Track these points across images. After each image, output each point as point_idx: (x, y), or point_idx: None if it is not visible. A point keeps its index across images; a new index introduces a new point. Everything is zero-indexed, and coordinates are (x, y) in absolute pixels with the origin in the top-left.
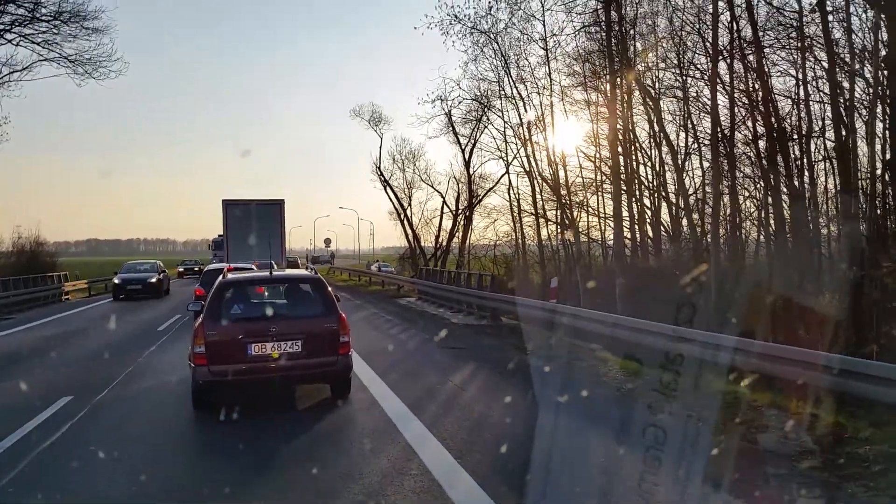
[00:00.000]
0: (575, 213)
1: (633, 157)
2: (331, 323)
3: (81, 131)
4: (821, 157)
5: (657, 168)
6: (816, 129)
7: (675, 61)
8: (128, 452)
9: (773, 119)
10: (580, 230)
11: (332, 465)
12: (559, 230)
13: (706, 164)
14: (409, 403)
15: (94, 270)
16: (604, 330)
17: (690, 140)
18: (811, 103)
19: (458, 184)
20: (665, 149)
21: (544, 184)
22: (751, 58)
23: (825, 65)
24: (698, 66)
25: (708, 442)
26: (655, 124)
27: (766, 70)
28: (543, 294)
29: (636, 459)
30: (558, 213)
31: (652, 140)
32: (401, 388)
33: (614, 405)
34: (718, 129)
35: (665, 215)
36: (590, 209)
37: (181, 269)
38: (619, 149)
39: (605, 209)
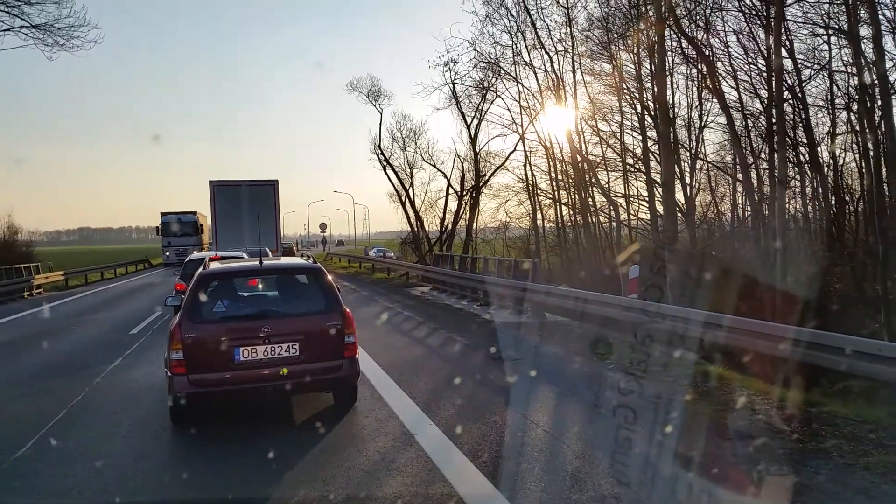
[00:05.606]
0: (602, 193)
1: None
2: (333, 320)
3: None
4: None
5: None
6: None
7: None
8: None
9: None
10: (599, 210)
11: None
12: (581, 211)
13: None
14: (490, 473)
15: (77, 260)
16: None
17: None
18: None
19: (462, 162)
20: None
21: (562, 163)
22: None
23: None
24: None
25: None
26: (707, 81)
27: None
28: (581, 283)
29: None
30: (576, 193)
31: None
32: (466, 440)
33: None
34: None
35: (679, 192)
36: (613, 191)
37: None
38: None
39: (627, 189)
